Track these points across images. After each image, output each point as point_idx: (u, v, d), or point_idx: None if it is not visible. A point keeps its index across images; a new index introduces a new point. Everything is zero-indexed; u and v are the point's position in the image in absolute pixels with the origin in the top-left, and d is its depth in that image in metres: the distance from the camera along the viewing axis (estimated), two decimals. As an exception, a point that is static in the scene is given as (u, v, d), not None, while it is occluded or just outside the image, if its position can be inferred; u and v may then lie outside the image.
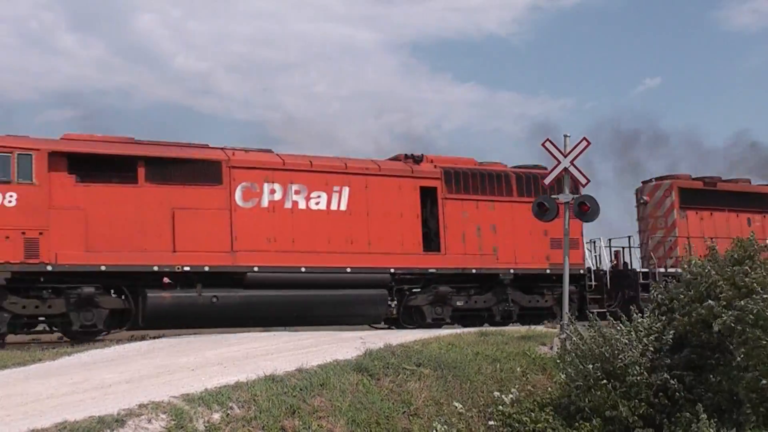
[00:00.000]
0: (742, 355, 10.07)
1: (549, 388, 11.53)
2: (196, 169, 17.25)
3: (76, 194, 16.08)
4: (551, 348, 13.26)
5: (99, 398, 9.07)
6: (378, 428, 9.62)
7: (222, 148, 17.90)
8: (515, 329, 15.28)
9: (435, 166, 19.90)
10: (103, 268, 16.07)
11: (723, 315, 10.15)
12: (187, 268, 16.70)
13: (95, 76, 59.44)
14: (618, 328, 10.93)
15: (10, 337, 16.07)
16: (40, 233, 15.62)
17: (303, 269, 17.68)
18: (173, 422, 8.27)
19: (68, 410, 8.27)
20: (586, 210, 14.59)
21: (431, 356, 11.76)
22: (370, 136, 61.80)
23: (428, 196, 19.59)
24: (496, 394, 11.03)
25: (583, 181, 14.65)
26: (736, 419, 10.06)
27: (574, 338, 11.32)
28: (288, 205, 18.01)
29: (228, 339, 14.48)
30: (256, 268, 17.30)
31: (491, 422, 10.62)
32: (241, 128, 61.16)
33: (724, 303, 10.34)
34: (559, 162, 14.52)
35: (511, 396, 11.02)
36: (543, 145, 14.85)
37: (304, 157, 18.88)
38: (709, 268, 10.90)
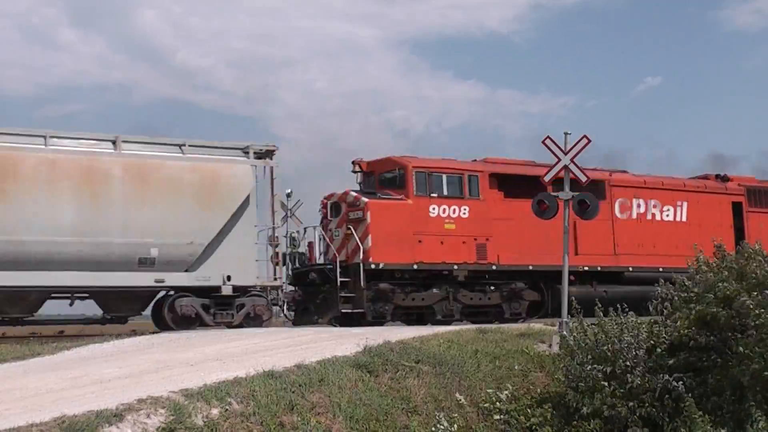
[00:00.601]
0: (753, 340, 10.02)
1: (547, 386, 11.55)
2: (586, 188, 20.67)
3: (505, 207, 20.35)
4: (550, 346, 13.27)
5: (98, 393, 9.08)
6: (376, 425, 9.63)
7: (594, 169, 21.50)
8: (514, 326, 15.29)
9: (738, 185, 24.62)
10: (530, 267, 20.43)
11: (742, 296, 10.19)
12: (585, 268, 21.09)
13: (96, 71, 59.58)
14: (622, 327, 10.90)
15: (9, 331, 16.14)
16: (487, 239, 20.02)
17: (661, 269, 20.41)
18: (172, 417, 8.28)
19: (67, 405, 8.28)
20: (586, 207, 14.62)
21: (430, 353, 11.77)
22: (370, 133, 61.98)
23: (735, 210, 24.26)
24: (490, 391, 11.04)
25: (582, 178, 14.66)
26: (738, 416, 10.06)
27: (575, 336, 11.29)
28: (649, 216, 22.89)
29: (227, 334, 14.50)
30: (630, 268, 21.89)
31: (496, 416, 10.66)
32: (241, 124, 61.32)
33: (725, 297, 10.36)
34: (559, 159, 14.54)
35: (506, 393, 11.03)
36: (543, 142, 14.86)
37: (657, 178, 23.78)
38: (705, 271, 10.97)
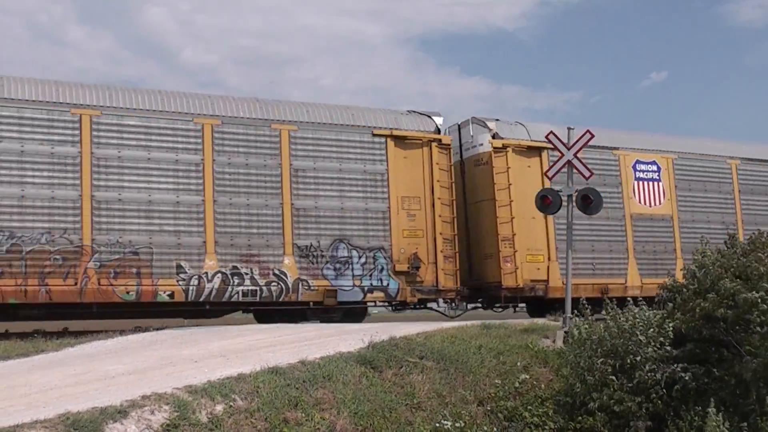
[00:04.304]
0: (756, 337, 9.99)
1: (551, 381, 11.53)
2: None
3: None
4: (554, 341, 13.25)
5: (102, 389, 9.09)
6: (381, 421, 9.62)
7: None
8: (518, 322, 15.27)
9: None
10: None
11: (744, 293, 10.13)
12: None
13: (103, 68, 59.55)
14: (635, 321, 10.84)
15: (14, 327, 16.13)
16: None
17: None
18: (176, 413, 8.28)
19: (71, 401, 8.28)
20: (590, 203, 14.56)
21: (434, 349, 11.75)
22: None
23: None
24: (498, 381, 11.06)
25: (586, 173, 14.62)
26: (742, 409, 10.04)
27: (584, 329, 11.25)
28: None
29: (231, 331, 14.48)
30: None
31: (488, 406, 10.68)
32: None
33: (729, 295, 10.32)
34: (563, 155, 14.51)
35: (517, 384, 11.04)
36: (547, 137, 14.84)
37: None
38: (715, 259, 10.92)
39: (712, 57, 65.26)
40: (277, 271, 16.82)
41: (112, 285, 15.70)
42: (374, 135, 17.88)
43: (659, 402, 10.26)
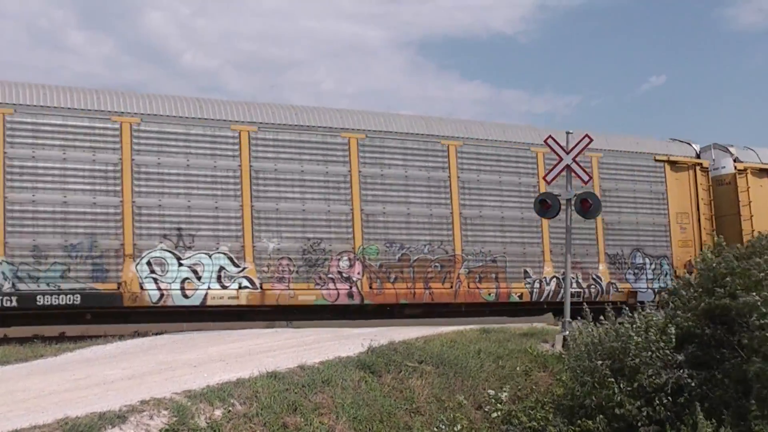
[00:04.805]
0: (757, 339, 9.99)
1: (551, 386, 11.52)
2: None
3: None
4: (553, 345, 13.26)
5: (101, 394, 9.08)
6: (380, 425, 9.62)
7: None
8: (517, 326, 15.27)
9: None
10: None
11: (743, 296, 10.18)
12: None
13: (104, 73, 59.39)
14: (632, 325, 10.83)
15: (13, 332, 16.11)
16: None
17: None
18: (175, 418, 8.28)
19: (70, 406, 8.28)
20: (588, 207, 14.56)
21: (433, 353, 11.75)
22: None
23: None
24: (491, 392, 11.03)
25: (585, 178, 14.62)
26: (740, 411, 10.02)
27: (583, 333, 11.24)
28: None
29: (230, 335, 14.47)
30: None
31: (494, 414, 10.64)
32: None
33: (731, 293, 10.33)
34: (561, 159, 14.50)
35: (506, 393, 11.01)
36: (545, 141, 14.84)
37: None
38: (717, 262, 10.94)
39: (712, 61, 65.40)
40: (594, 276, 19.50)
41: (478, 288, 18.09)
42: (656, 160, 20.84)
43: (662, 408, 10.23)
